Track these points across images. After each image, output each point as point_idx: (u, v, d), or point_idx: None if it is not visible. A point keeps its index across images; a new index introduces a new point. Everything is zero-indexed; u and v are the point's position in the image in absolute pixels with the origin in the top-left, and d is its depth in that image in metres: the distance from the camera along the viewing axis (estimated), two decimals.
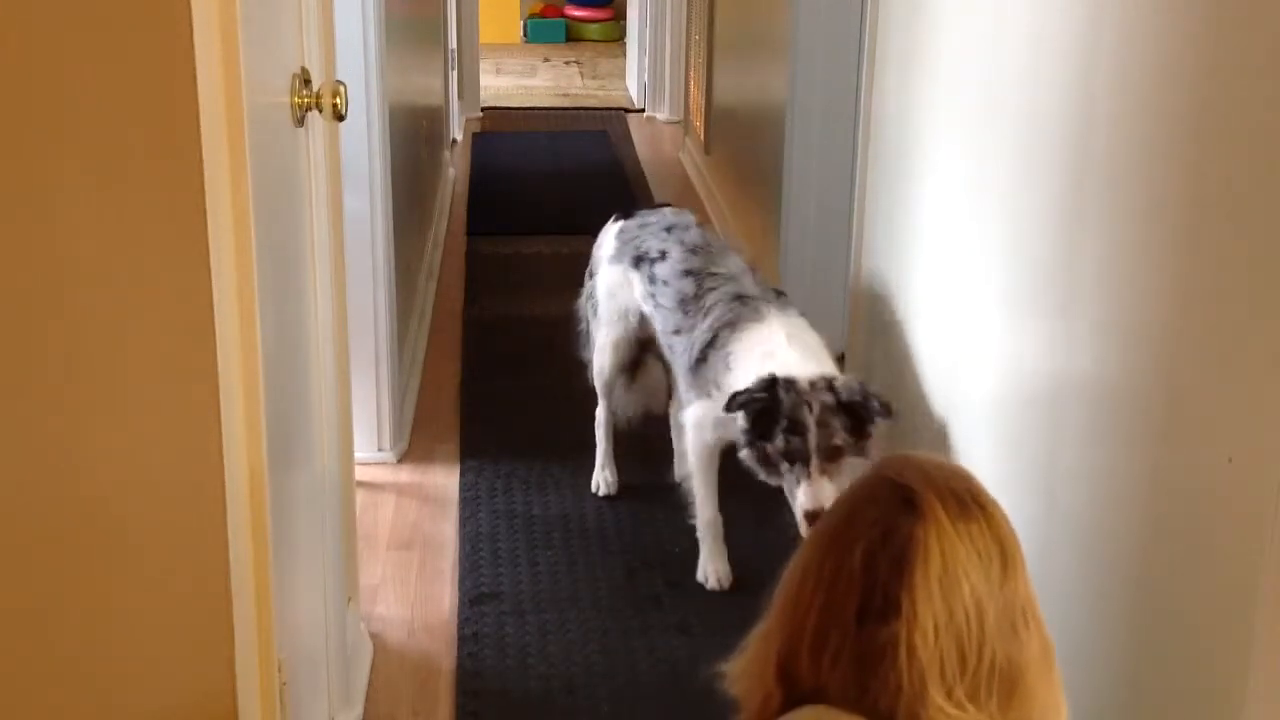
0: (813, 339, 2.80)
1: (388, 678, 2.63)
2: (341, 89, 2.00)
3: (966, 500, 1.32)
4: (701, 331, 2.87)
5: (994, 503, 1.35)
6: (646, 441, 3.58)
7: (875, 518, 1.31)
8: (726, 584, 2.95)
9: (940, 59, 2.70)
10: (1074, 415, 2.05)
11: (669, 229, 3.10)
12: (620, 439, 3.43)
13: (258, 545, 1.61)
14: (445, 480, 3.43)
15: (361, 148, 3.18)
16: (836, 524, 1.36)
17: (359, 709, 2.48)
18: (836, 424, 2.60)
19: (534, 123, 7.46)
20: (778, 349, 2.72)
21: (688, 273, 2.97)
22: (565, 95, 8.20)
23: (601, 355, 3.28)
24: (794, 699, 1.35)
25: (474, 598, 2.89)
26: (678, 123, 7.03)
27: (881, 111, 3.09)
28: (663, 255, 3.04)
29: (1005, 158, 2.34)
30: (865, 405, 2.63)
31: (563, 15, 10.11)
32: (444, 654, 2.71)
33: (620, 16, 9.44)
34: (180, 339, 1.48)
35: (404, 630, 2.80)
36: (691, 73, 6.65)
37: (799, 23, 4.02)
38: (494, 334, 4.39)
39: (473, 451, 3.56)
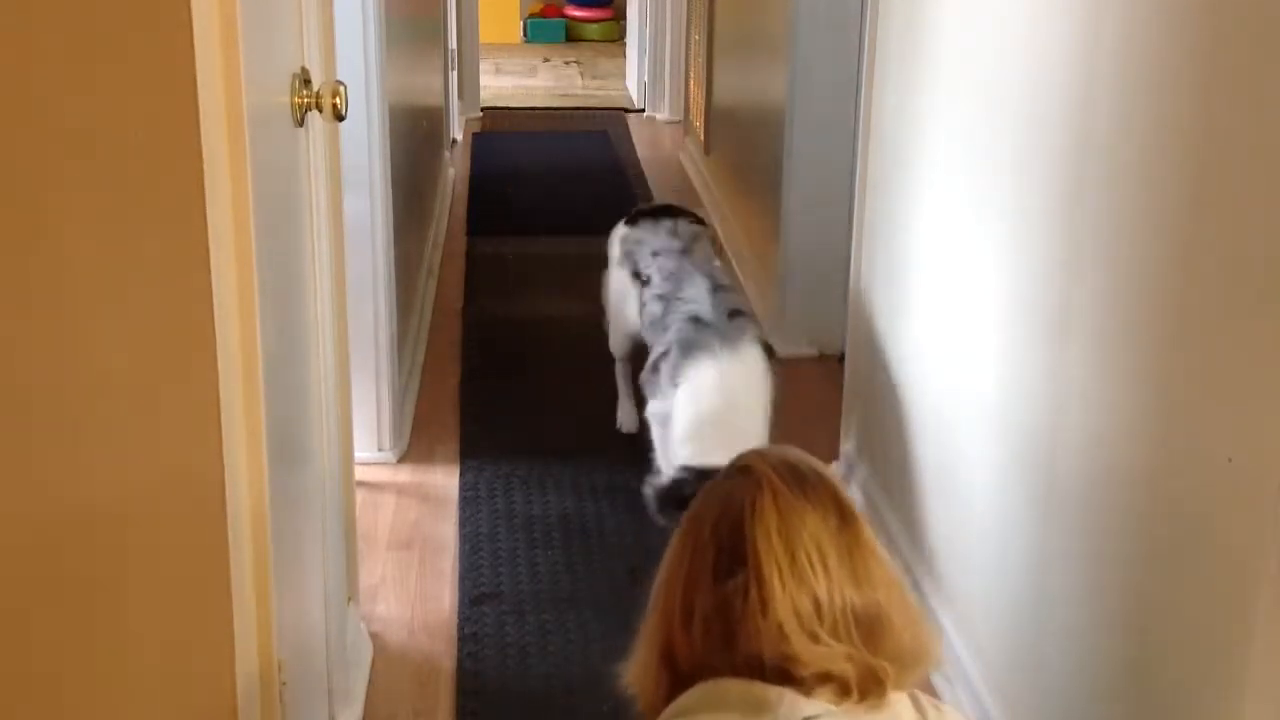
0: (743, 379, 3.07)
1: (388, 678, 2.63)
2: (341, 89, 2.00)
3: (799, 466, 1.46)
4: (661, 345, 3.22)
5: (827, 470, 1.49)
6: (646, 445, 3.58)
7: (719, 494, 1.46)
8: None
9: (940, 59, 2.70)
10: (1073, 416, 2.05)
11: (655, 253, 3.40)
12: (621, 441, 3.52)
13: (258, 545, 1.61)
14: (445, 480, 3.43)
15: (361, 148, 3.17)
16: (690, 512, 1.49)
17: (359, 709, 2.48)
18: None
19: (534, 123, 7.46)
20: (704, 391, 3.03)
21: (660, 297, 3.30)
22: (565, 95, 8.20)
23: (613, 342, 3.69)
24: (680, 680, 1.45)
25: (474, 598, 2.89)
26: (678, 123, 7.03)
27: (881, 112, 3.09)
28: (648, 280, 3.38)
29: (1005, 158, 2.34)
30: None
31: (563, 15, 10.10)
32: (444, 654, 2.71)
33: (620, 16, 9.43)
34: (180, 339, 1.48)
35: (404, 630, 2.80)
36: (691, 73, 6.65)
37: (799, 23, 4.03)
38: (494, 334, 4.38)
39: (473, 451, 3.56)
